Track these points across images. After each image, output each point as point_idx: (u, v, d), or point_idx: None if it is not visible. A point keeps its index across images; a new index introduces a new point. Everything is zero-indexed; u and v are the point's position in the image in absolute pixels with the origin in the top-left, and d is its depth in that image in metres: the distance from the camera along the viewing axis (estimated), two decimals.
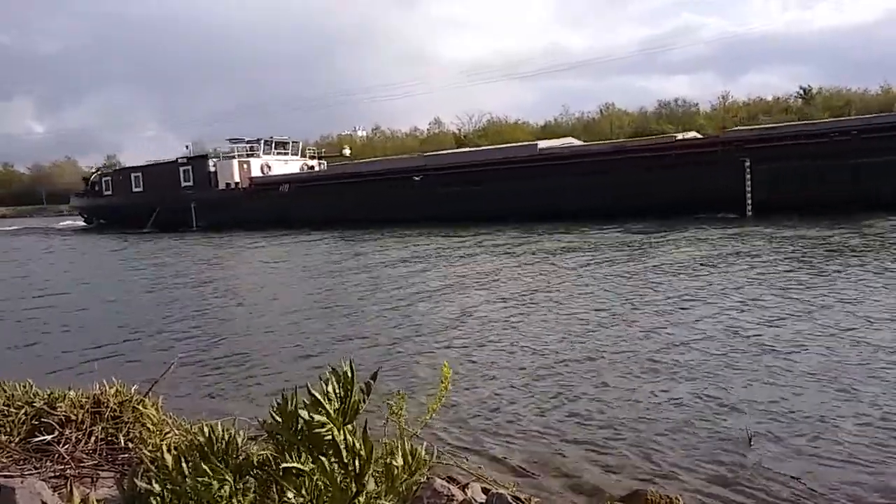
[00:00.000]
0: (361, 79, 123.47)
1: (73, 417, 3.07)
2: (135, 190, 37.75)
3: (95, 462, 2.89)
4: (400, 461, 2.23)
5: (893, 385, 4.71)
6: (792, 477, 3.47)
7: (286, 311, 9.32)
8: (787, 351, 5.70)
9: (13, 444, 2.96)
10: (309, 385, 2.14)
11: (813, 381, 4.91)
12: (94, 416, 3.11)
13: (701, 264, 10.90)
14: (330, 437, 2.05)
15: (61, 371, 6.33)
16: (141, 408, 3.19)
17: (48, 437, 2.96)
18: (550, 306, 8.31)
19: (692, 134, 27.38)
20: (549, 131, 60.10)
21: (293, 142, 37.67)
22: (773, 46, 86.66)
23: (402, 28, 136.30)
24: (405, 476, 2.23)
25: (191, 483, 2.06)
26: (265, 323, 8.54)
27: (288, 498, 2.07)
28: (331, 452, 2.06)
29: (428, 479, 2.62)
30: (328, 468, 2.01)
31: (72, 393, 3.24)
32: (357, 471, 2.05)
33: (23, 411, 3.12)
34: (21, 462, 2.86)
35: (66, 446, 2.93)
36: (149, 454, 2.65)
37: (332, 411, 2.08)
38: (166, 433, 3.09)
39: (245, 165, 34.18)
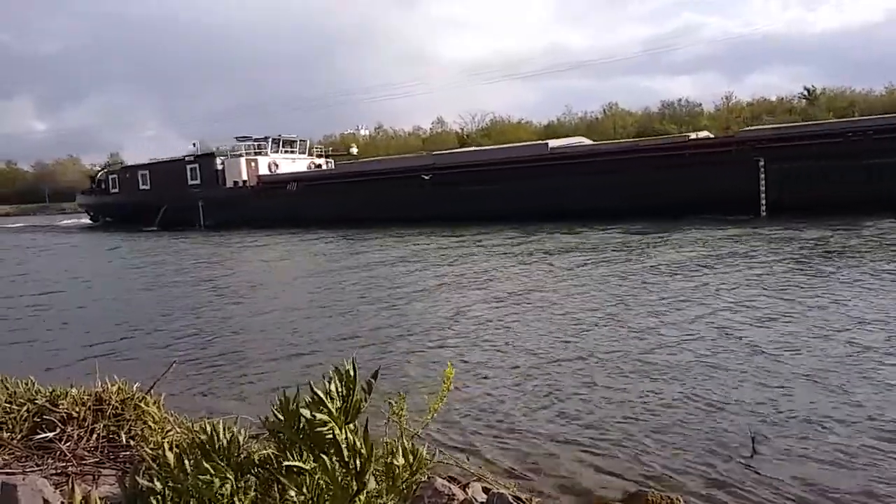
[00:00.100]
0: (362, 79, 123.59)
1: (75, 415, 3.07)
2: (141, 188, 37.70)
3: (97, 459, 2.90)
4: (401, 460, 2.23)
5: (886, 386, 4.70)
6: (792, 478, 3.47)
7: (288, 309, 9.33)
8: (786, 351, 5.70)
9: (15, 442, 2.96)
10: (311, 383, 2.14)
11: (811, 382, 4.90)
12: (96, 413, 3.12)
13: (712, 264, 10.88)
14: (331, 435, 2.05)
15: (63, 369, 6.35)
16: (143, 406, 3.20)
17: (50, 435, 2.97)
18: (550, 306, 8.31)
19: (704, 133, 27.18)
20: (552, 131, 60.05)
21: (300, 140, 37.63)
22: (775, 46, 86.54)
23: (402, 28, 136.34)
24: (406, 475, 2.23)
25: (192, 481, 2.06)
26: (267, 322, 8.55)
27: (289, 496, 2.07)
28: (332, 451, 2.06)
29: (429, 478, 2.62)
30: (329, 466, 2.00)
31: (74, 390, 3.25)
32: (358, 469, 2.05)
33: (25, 408, 3.13)
34: (23, 459, 2.87)
35: (67, 444, 2.94)
36: (150, 452, 2.65)
37: (333, 410, 2.08)
38: (168, 431, 3.09)
39: (253, 164, 34.11)
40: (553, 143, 26.87)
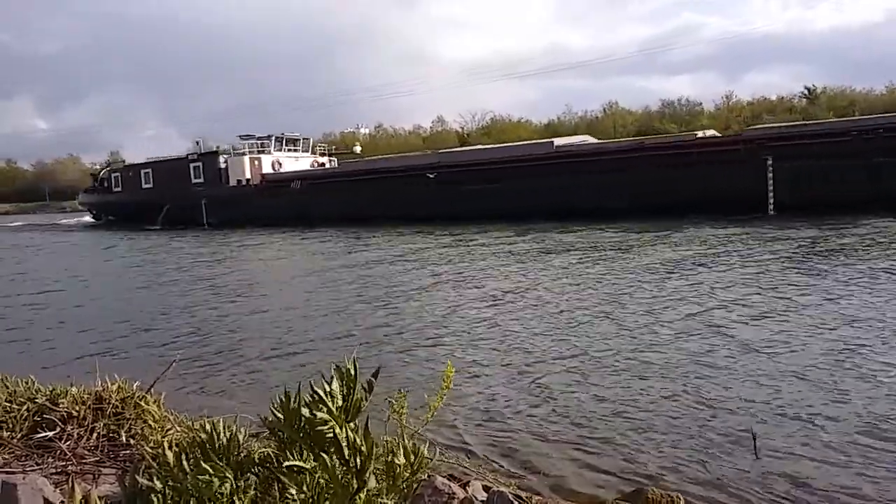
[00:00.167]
0: (362, 78, 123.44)
1: (75, 414, 3.07)
2: (144, 186, 37.61)
3: (97, 458, 2.90)
4: (402, 459, 2.23)
5: (878, 385, 4.71)
6: (793, 477, 3.46)
7: (289, 308, 9.33)
8: (785, 350, 5.70)
9: (15, 441, 2.96)
10: (311, 382, 2.14)
11: (812, 381, 4.90)
12: (96, 412, 3.12)
13: (714, 263, 10.87)
14: (332, 434, 2.05)
15: (63, 367, 6.34)
16: (143, 404, 3.20)
17: (50, 434, 2.97)
18: (551, 305, 8.31)
19: (711, 132, 27.01)
20: (552, 130, 60.03)
21: (304, 139, 37.56)
22: (775, 46, 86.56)
23: (402, 28, 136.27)
24: (407, 474, 2.23)
25: (192, 480, 2.06)
26: (267, 320, 8.55)
27: (290, 495, 2.07)
28: (332, 450, 2.06)
29: (429, 476, 2.62)
30: (330, 465, 2.00)
31: (74, 389, 3.25)
32: (358, 467, 2.05)
33: (25, 407, 3.13)
34: (23, 458, 2.86)
35: (67, 443, 2.94)
36: (150, 451, 2.65)
37: (334, 409, 2.08)
38: (168, 430, 3.09)
39: (256, 162, 34.04)
40: (559, 141, 26.70)
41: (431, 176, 26.00)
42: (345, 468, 2.05)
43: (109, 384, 3.29)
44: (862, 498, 3.25)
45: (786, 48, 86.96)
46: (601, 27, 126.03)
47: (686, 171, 20.18)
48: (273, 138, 35.54)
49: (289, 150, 36.23)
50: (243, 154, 34.31)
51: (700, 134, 24.50)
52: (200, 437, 2.33)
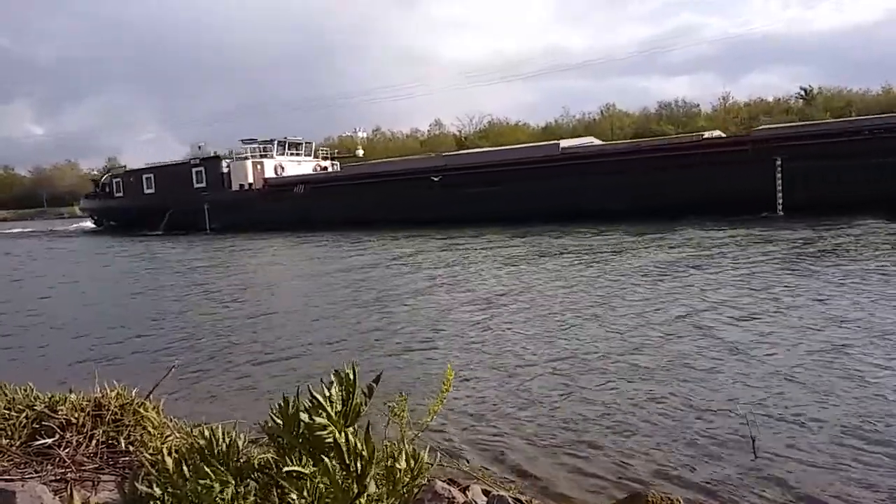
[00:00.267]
0: (361, 80, 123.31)
1: (74, 421, 3.06)
2: (146, 191, 37.50)
3: (96, 465, 2.89)
4: (403, 464, 2.23)
5: (868, 385, 4.72)
6: (792, 477, 3.47)
7: (289, 313, 9.32)
8: (777, 351, 5.71)
9: (14, 448, 2.95)
10: (310, 387, 2.14)
11: (802, 382, 4.91)
12: (95, 419, 3.11)
13: (716, 265, 10.88)
14: (331, 439, 2.04)
15: (62, 374, 6.32)
16: (142, 411, 3.19)
17: (49, 441, 2.96)
18: (551, 309, 8.31)
19: (717, 133, 26.97)
20: (550, 132, 60.14)
21: (306, 142, 37.49)
22: (774, 46, 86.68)
23: (402, 28, 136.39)
24: (407, 479, 2.23)
25: (191, 486, 2.06)
26: (266, 326, 8.54)
27: (289, 500, 2.06)
28: (332, 455, 2.05)
29: (429, 481, 2.61)
30: (330, 469, 2.00)
31: (73, 396, 3.24)
32: (359, 472, 2.04)
33: (24, 415, 3.12)
34: (22, 466, 2.86)
35: (66, 450, 2.93)
36: (150, 457, 2.64)
37: (333, 414, 2.08)
38: (167, 436, 3.08)
39: (259, 166, 33.97)
40: (564, 143, 26.61)
41: (436, 179, 25.94)
42: (345, 473, 2.05)
43: (108, 391, 3.28)
44: (859, 497, 3.26)
45: (785, 49, 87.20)
46: (601, 27, 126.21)
47: (693, 172, 20.07)
48: (275, 142, 35.47)
49: (291, 153, 36.15)
50: (246, 158, 34.21)
51: (707, 135, 24.41)
52: (199, 443, 2.32)
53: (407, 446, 2.33)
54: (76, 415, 3.09)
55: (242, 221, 30.89)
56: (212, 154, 35.62)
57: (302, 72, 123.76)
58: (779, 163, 19.09)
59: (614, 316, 7.58)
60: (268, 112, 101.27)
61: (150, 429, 3.11)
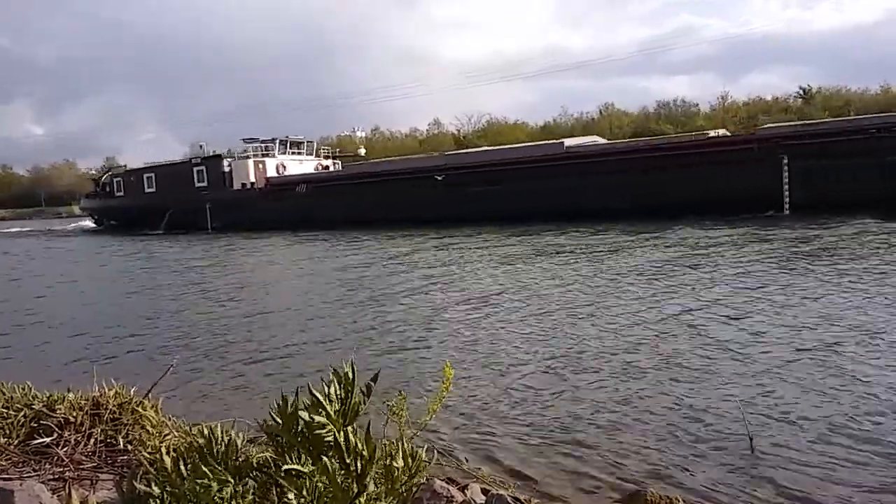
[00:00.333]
0: (361, 80, 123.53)
1: (73, 419, 3.06)
2: (147, 191, 37.37)
3: (94, 464, 2.89)
4: (401, 462, 2.23)
5: (859, 383, 4.73)
6: (791, 477, 3.47)
7: (288, 312, 9.32)
8: (776, 350, 5.71)
9: (12, 447, 2.95)
10: (310, 385, 2.14)
11: (806, 381, 4.91)
12: (94, 418, 3.11)
13: (716, 265, 10.89)
14: (331, 438, 2.04)
15: (60, 373, 6.32)
16: (140, 410, 3.19)
17: (47, 440, 2.96)
18: (549, 308, 8.31)
19: (722, 132, 26.86)
20: (548, 132, 60.14)
21: (307, 142, 37.38)
22: (774, 47, 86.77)
23: (402, 29, 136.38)
24: (405, 478, 2.22)
25: (190, 485, 2.05)
26: (265, 325, 8.53)
27: (288, 499, 2.06)
28: (331, 454, 2.05)
29: (427, 479, 2.61)
30: (330, 468, 2.00)
31: (71, 395, 3.23)
32: (358, 471, 2.04)
33: (22, 413, 3.12)
34: (20, 464, 2.85)
35: (65, 448, 2.93)
36: (148, 456, 2.64)
37: (332, 412, 2.07)
38: (165, 435, 3.08)
39: (261, 165, 33.84)
40: (569, 142, 26.48)
41: (440, 178, 25.85)
42: (344, 472, 2.05)
43: (107, 390, 3.27)
44: (858, 497, 3.26)
45: (785, 49, 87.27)
46: (601, 27, 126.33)
47: (699, 171, 19.97)
48: (277, 141, 35.34)
49: (293, 153, 36.03)
50: (247, 157, 34.07)
51: (712, 133, 24.29)
52: (198, 442, 2.32)
53: (405, 444, 2.33)
54: (74, 414, 3.09)
55: (244, 221, 30.76)
56: (212, 153, 35.55)
57: (302, 72, 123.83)
58: (785, 161, 18.95)
59: (612, 315, 7.59)
60: (268, 112, 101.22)
61: (148, 428, 3.10)
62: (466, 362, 6.02)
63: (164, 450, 2.38)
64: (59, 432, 3.00)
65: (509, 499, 2.81)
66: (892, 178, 17.16)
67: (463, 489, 2.98)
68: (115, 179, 40.77)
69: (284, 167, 34.69)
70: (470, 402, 4.96)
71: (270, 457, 2.24)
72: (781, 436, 3.99)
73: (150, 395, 3.35)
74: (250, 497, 2.11)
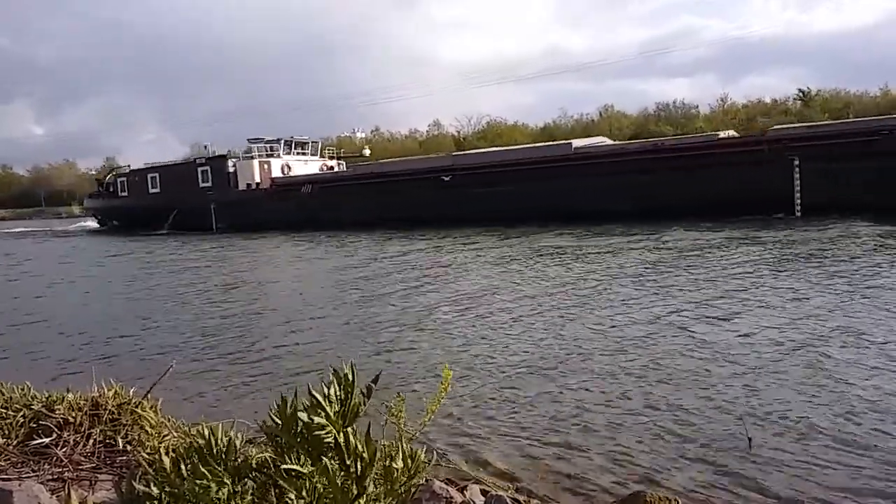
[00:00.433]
0: (361, 81, 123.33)
1: (72, 420, 3.06)
2: (151, 191, 37.18)
3: (93, 465, 2.88)
4: (400, 464, 2.23)
5: (880, 384, 4.73)
6: (790, 477, 3.47)
7: (288, 312, 9.31)
8: (776, 351, 5.72)
9: (11, 447, 2.95)
10: (310, 386, 2.14)
11: (804, 381, 4.91)
12: (93, 418, 3.10)
13: (720, 267, 10.90)
14: (330, 439, 2.04)
15: (60, 374, 6.32)
16: (139, 410, 3.19)
17: (46, 440, 2.96)
18: (548, 310, 8.31)
19: (730, 132, 26.63)
20: (548, 133, 60.19)
21: (312, 142, 37.28)
22: (773, 48, 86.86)
23: (402, 29, 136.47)
24: (404, 479, 2.22)
25: (189, 486, 2.05)
26: (265, 325, 8.53)
27: (288, 500, 2.06)
28: (330, 455, 2.05)
29: (427, 480, 2.61)
30: (330, 469, 2.00)
31: (70, 395, 3.23)
32: (358, 473, 2.04)
33: (21, 414, 3.11)
34: (19, 465, 2.85)
35: (64, 449, 2.93)
36: (147, 457, 2.64)
37: (332, 413, 2.08)
38: (165, 436, 3.08)
39: (266, 166, 33.69)
40: (577, 142, 26.32)
41: (446, 179, 25.77)
42: (344, 474, 2.05)
43: (106, 390, 3.28)
44: (857, 496, 3.27)
45: (784, 51, 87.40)
46: (601, 28, 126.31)
47: (707, 173, 19.82)
48: (282, 141, 35.18)
49: (297, 153, 35.89)
50: (252, 158, 33.92)
51: (722, 134, 24.15)
52: (197, 442, 2.32)
53: (404, 445, 2.33)
54: (73, 414, 3.08)
55: (249, 221, 30.63)
56: (212, 154, 35.48)
57: (302, 72, 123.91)
58: (797, 163, 18.72)
59: (611, 315, 7.59)
60: (267, 112, 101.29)
61: (147, 428, 3.10)
62: (465, 363, 6.02)
63: (163, 450, 2.39)
64: (58, 433, 3.00)
65: (508, 500, 2.82)
66: None
67: (462, 490, 2.98)
68: (118, 179, 40.61)
69: (289, 167, 34.55)
70: (469, 402, 4.95)
71: (270, 457, 2.24)
72: (780, 436, 3.99)
73: (149, 395, 3.35)
74: (249, 498, 2.11)
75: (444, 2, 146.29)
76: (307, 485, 2.05)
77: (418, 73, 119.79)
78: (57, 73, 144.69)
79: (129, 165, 42.90)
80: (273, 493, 2.16)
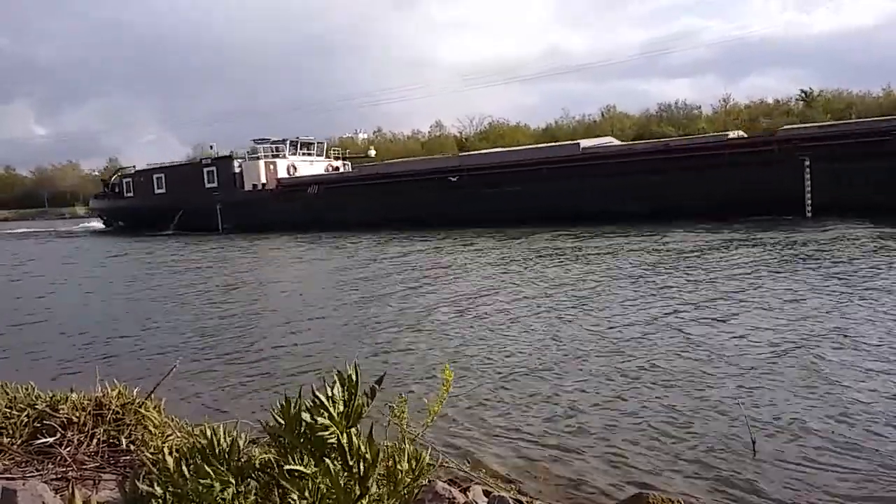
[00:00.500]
0: (361, 81, 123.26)
1: (75, 420, 3.07)
2: (157, 192, 37.18)
3: (97, 464, 2.89)
4: (405, 465, 2.23)
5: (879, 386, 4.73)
6: (794, 479, 3.47)
7: (291, 313, 9.32)
8: (776, 353, 5.71)
9: (15, 447, 2.96)
10: (313, 387, 2.14)
11: (805, 382, 4.91)
12: (96, 418, 3.12)
13: (723, 268, 10.89)
14: (333, 439, 2.04)
15: (64, 373, 6.34)
16: (143, 410, 3.20)
17: (50, 440, 2.97)
18: (548, 311, 8.30)
19: (740, 133, 26.55)
20: (550, 134, 60.13)
21: (318, 143, 37.29)
22: (774, 49, 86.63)
23: (402, 30, 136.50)
24: (408, 480, 2.23)
25: (192, 485, 2.06)
26: (268, 326, 8.54)
27: (291, 500, 2.07)
28: (333, 455, 2.05)
29: (430, 481, 2.61)
30: (333, 470, 2.00)
31: (74, 395, 3.25)
32: (361, 474, 2.05)
33: (25, 414, 3.13)
34: (23, 464, 2.86)
35: (67, 448, 2.94)
36: (150, 456, 2.65)
37: (335, 414, 2.08)
38: (168, 435, 3.09)
39: (272, 166, 33.69)
40: (585, 143, 26.28)
41: (453, 179, 25.72)
42: (347, 474, 2.05)
43: (109, 390, 3.29)
44: (856, 496, 3.26)
45: (784, 52, 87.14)
46: (601, 28, 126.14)
47: (717, 173, 19.72)
48: (288, 142, 35.20)
49: (303, 153, 35.91)
50: (258, 158, 33.92)
51: (732, 134, 24.04)
52: (200, 442, 2.32)
53: (408, 446, 2.34)
54: (77, 414, 3.09)
55: (255, 222, 30.60)
56: (214, 155, 35.50)
57: (302, 72, 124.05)
58: (807, 163, 18.57)
59: (609, 316, 7.59)
60: (268, 112, 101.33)
61: (151, 428, 3.11)
62: (466, 364, 6.02)
63: (166, 450, 2.39)
64: (62, 432, 3.01)
65: (511, 501, 2.82)
66: None
67: (465, 491, 2.98)
68: (124, 180, 40.62)
69: (295, 168, 34.53)
70: (472, 404, 4.96)
71: (273, 458, 2.25)
72: (784, 437, 3.98)
73: (152, 395, 3.36)
74: (252, 498, 2.12)
75: (445, 2, 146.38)
76: (310, 485, 2.05)
77: (418, 73, 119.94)
78: (57, 73, 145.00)
79: (134, 166, 42.94)
80: (276, 494, 2.17)
